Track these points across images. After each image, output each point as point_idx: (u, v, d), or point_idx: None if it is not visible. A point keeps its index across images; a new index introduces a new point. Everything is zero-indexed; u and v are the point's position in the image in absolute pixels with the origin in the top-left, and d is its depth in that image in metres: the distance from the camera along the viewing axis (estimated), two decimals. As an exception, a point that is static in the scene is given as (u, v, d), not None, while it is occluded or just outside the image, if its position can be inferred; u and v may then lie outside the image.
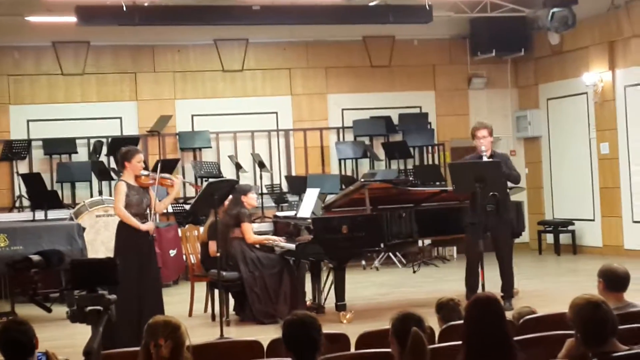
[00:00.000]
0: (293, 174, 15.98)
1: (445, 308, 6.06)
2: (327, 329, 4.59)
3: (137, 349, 4.44)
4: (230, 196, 10.10)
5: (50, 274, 10.72)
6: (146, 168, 9.07)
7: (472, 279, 9.96)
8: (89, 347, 3.78)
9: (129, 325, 7.96)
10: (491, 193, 9.34)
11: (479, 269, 9.96)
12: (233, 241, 10.08)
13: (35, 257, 4.23)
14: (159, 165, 9.18)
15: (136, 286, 8.34)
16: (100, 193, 14.48)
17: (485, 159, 10.01)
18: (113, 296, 3.93)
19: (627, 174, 14.92)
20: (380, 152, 16.10)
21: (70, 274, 4.00)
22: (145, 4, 13.39)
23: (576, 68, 15.75)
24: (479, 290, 9.43)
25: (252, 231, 10.29)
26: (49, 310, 4.41)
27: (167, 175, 9.28)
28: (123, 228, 8.72)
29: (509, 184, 10.59)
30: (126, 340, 7.31)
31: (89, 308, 3.86)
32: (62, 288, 10.54)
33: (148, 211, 8.78)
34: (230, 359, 4.90)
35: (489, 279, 9.78)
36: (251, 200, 10.35)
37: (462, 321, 5.69)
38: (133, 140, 14.30)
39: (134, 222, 8.64)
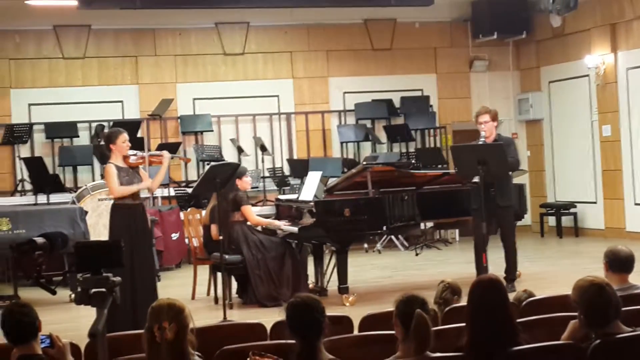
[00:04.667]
0: (295, 157, 15.98)
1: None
2: (329, 311, 4.59)
3: (142, 331, 4.45)
4: None
5: (53, 257, 10.74)
6: (148, 149, 9.04)
7: (478, 262, 9.96)
8: (93, 329, 3.79)
9: (124, 308, 7.92)
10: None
11: (485, 252, 10.02)
12: (234, 225, 10.08)
13: (40, 240, 4.22)
14: (146, 145, 9.11)
15: (129, 269, 8.25)
16: (102, 177, 14.48)
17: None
18: (117, 278, 3.93)
19: (629, 156, 14.92)
20: (382, 135, 16.09)
21: (75, 256, 4.00)
22: (146, -13, 13.36)
23: (578, 50, 15.72)
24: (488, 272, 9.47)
25: (254, 213, 10.30)
26: (53, 292, 4.41)
27: (154, 152, 9.22)
28: (116, 211, 8.66)
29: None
30: (120, 322, 7.31)
31: (94, 290, 3.87)
32: (66, 271, 10.56)
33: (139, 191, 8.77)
34: (234, 342, 4.90)
35: (493, 262, 9.83)
36: (245, 183, 10.36)
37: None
38: (134, 124, 14.32)
39: (134, 187, 8.58)
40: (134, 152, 8.78)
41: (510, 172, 10.22)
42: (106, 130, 14.68)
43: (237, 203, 10.12)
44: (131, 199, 8.62)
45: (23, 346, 4.49)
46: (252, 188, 14.50)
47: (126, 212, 8.59)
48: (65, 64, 15.32)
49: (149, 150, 9.14)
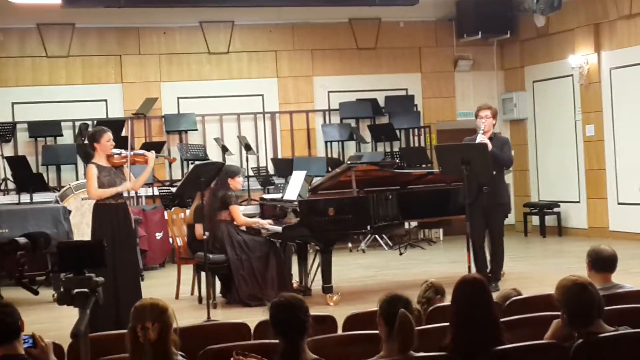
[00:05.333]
0: (279, 156, 15.97)
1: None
2: (314, 311, 4.60)
3: (125, 331, 4.44)
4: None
5: (36, 257, 10.71)
6: (132, 149, 9.01)
7: (477, 259, 9.96)
8: (76, 329, 3.78)
9: (106, 308, 7.86)
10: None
11: (484, 248, 10.07)
12: (220, 224, 10.06)
13: (22, 240, 4.21)
14: (128, 142, 9.08)
15: (112, 268, 8.19)
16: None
17: (479, 137, 10.00)
18: (100, 278, 3.92)
19: (613, 156, 14.97)
20: (367, 135, 16.10)
21: (57, 256, 3.98)
22: (131, -14, 13.33)
23: (562, 50, 15.76)
24: (472, 271, 9.48)
25: (241, 213, 10.29)
26: (35, 292, 4.40)
27: (139, 151, 9.17)
28: (98, 211, 8.62)
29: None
30: (102, 322, 7.26)
31: (76, 290, 3.85)
32: (49, 271, 10.52)
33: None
34: (218, 341, 4.89)
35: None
36: (237, 183, 10.35)
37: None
38: (118, 123, 14.28)
39: (111, 190, 8.52)
40: (118, 150, 8.75)
41: (506, 169, 10.32)
42: (90, 129, 14.68)
43: (226, 202, 10.11)
44: (113, 199, 8.59)
45: (5, 346, 4.46)
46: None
47: (108, 211, 8.55)
48: (49, 63, 15.26)
49: (133, 149, 9.06)
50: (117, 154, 8.69)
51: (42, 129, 14.77)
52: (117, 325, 7.03)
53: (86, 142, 9.58)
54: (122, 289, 8.33)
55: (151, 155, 8.90)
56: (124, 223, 8.64)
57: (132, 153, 8.81)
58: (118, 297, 8.22)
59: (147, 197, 14.58)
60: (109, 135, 8.67)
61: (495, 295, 5.89)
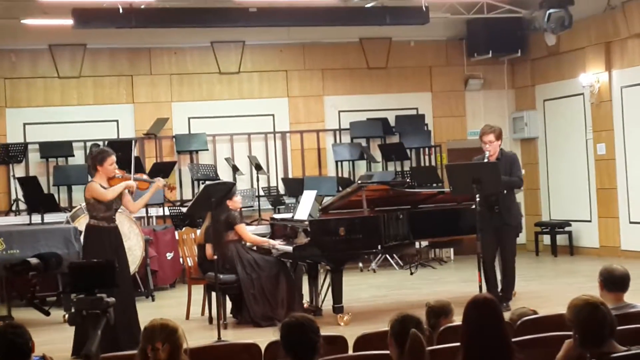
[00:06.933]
0: (290, 176, 15.97)
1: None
2: (324, 331, 4.58)
3: (134, 352, 4.43)
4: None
5: (48, 278, 10.73)
6: (143, 170, 9.00)
7: (488, 279, 9.93)
8: (87, 350, 3.78)
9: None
10: (489, 194, 9.38)
11: (494, 267, 10.03)
12: (228, 244, 10.07)
13: (34, 260, 4.22)
14: (133, 166, 9.04)
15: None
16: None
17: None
18: (112, 299, 3.92)
19: (624, 175, 14.93)
20: (377, 154, 16.10)
21: (69, 277, 3.99)
22: (142, 7, 13.38)
23: (573, 69, 15.76)
24: (483, 291, 9.44)
25: (248, 231, 10.28)
26: (47, 313, 4.40)
27: (142, 177, 9.13)
28: (90, 230, 8.59)
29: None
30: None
31: (88, 311, 3.86)
32: (60, 291, 10.53)
33: (116, 215, 8.69)
34: (228, 362, 4.89)
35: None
36: (236, 203, 10.37)
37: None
38: (129, 143, 14.29)
39: (118, 188, 8.47)
40: (120, 174, 8.71)
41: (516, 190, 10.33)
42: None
43: (231, 223, 10.11)
44: (106, 222, 8.55)
45: (16, 367, 4.46)
46: (247, 207, 14.54)
47: (100, 234, 8.52)
48: (61, 83, 15.33)
49: (136, 173, 9.00)
50: (119, 177, 8.64)
51: (54, 150, 14.82)
52: (114, 347, 6.94)
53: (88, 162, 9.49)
54: (117, 311, 8.26)
55: (159, 182, 8.91)
56: (115, 245, 8.58)
57: (134, 178, 8.75)
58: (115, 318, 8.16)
59: (157, 217, 14.59)
60: (113, 158, 8.62)
61: (508, 314, 5.87)
